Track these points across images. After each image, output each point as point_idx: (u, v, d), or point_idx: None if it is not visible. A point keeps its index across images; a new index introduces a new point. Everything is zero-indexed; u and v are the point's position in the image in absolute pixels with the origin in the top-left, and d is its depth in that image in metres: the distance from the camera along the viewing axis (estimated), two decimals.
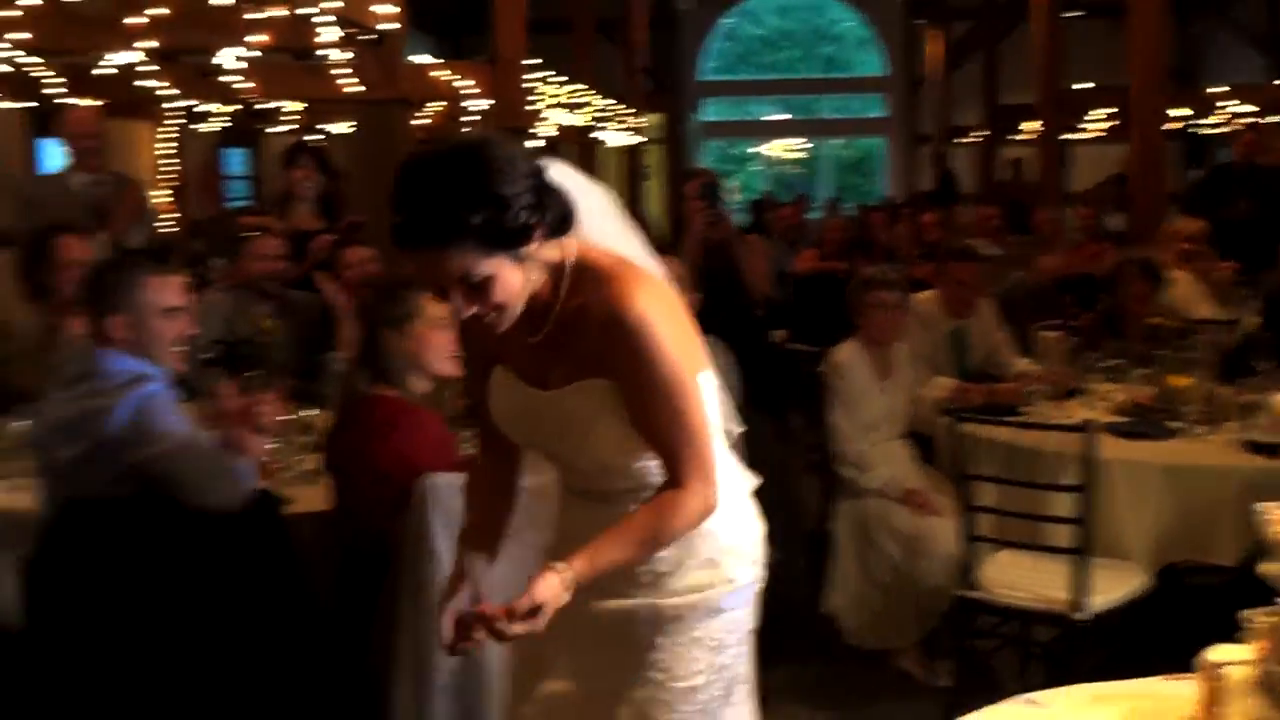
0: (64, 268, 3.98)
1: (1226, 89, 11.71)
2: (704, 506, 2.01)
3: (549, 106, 10.82)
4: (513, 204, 1.85)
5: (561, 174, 1.96)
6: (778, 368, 5.55)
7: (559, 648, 2.10)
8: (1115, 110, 11.31)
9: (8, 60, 6.60)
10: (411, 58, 6.88)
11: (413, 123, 9.19)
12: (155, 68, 7.45)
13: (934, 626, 4.04)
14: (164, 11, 6.15)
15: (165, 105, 9.21)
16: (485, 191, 1.83)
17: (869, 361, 4.29)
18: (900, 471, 4.21)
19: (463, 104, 8.92)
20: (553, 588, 1.90)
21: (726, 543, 2.11)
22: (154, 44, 6.30)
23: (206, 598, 2.68)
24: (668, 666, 2.08)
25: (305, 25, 6.29)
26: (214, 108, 9.97)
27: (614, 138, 13.98)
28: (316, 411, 3.72)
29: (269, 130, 11.69)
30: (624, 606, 2.08)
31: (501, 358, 2.08)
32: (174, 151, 9.78)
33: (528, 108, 9.09)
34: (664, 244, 2.76)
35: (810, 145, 20.44)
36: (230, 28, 6.27)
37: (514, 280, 1.90)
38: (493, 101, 8.04)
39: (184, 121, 9.86)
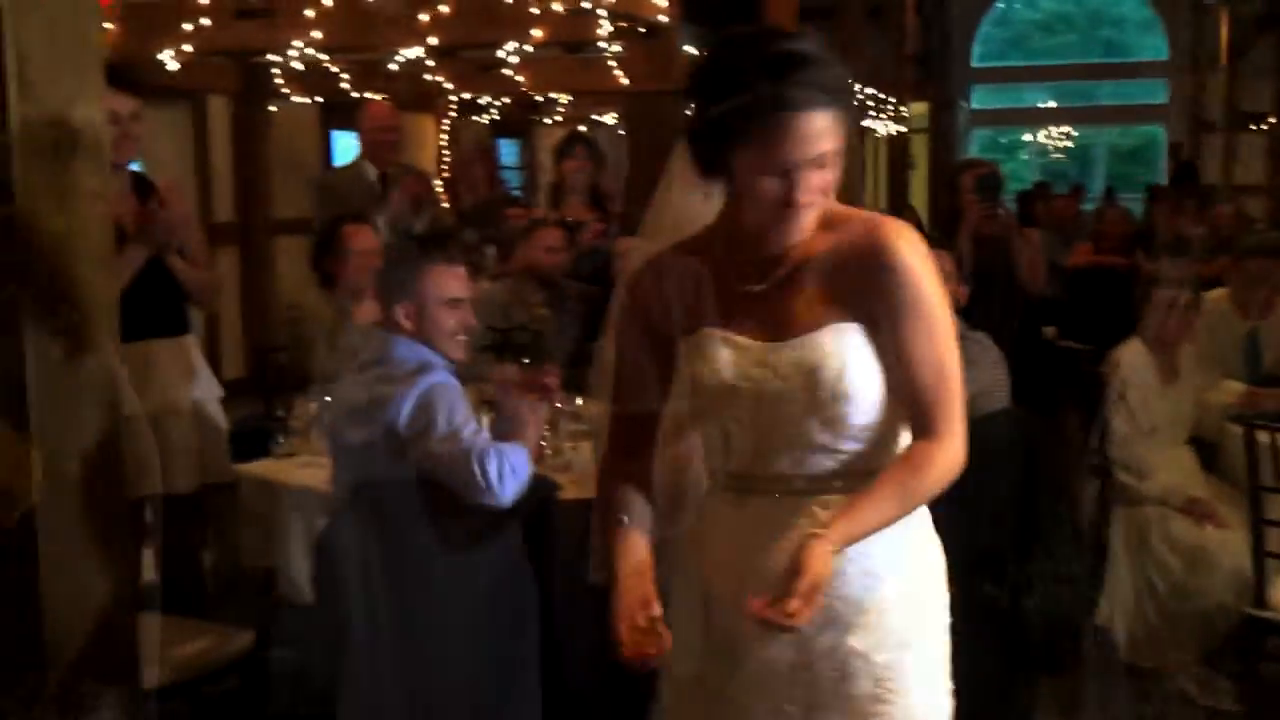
0: (351, 256, 4.18)
1: None
2: (956, 460, 1.90)
3: None
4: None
5: None
6: (1050, 365, 5.37)
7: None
8: None
9: (302, 58, 6.97)
10: (686, 48, 6.95)
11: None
12: (435, 63, 7.75)
13: (1216, 646, 3.83)
14: (448, 10, 6.38)
15: (448, 99, 9.57)
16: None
17: (1154, 363, 4.10)
18: (1183, 479, 4.01)
19: None
20: (827, 558, 1.76)
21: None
22: (438, 40, 6.55)
23: (484, 580, 2.76)
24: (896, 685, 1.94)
25: (582, 19, 6.42)
26: (487, 100, 10.30)
27: (880, 127, 13.78)
28: (584, 400, 3.79)
29: (541, 121, 12.01)
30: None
31: (702, 320, 1.95)
32: (451, 144, 10.16)
33: None
34: (931, 237, 2.69)
35: (1081, 133, 19.68)
36: (512, 22, 6.45)
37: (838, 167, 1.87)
38: None
39: (457, 114, 10.22)
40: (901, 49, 13.48)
